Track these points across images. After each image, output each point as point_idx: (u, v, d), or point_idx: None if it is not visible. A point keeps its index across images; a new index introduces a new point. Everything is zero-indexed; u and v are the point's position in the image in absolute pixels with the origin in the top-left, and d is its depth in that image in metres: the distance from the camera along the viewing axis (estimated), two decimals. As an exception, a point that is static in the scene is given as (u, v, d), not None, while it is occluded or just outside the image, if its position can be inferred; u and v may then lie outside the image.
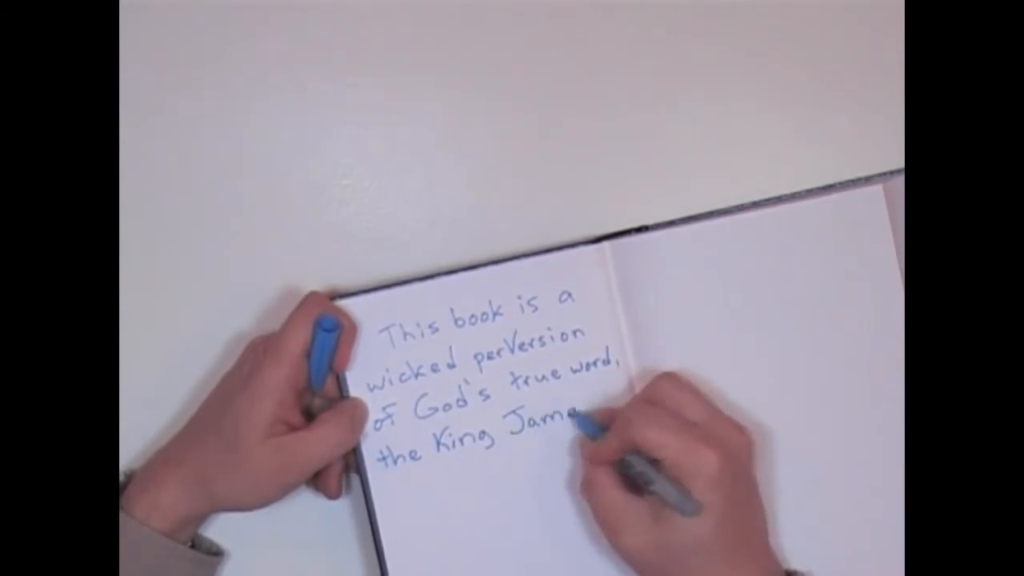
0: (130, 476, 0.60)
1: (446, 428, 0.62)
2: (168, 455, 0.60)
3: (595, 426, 0.61)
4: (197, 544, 0.61)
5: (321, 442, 0.59)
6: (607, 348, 0.63)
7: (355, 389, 0.61)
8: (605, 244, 0.63)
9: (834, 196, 0.63)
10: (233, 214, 0.65)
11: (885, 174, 0.64)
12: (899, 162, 0.64)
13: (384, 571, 0.61)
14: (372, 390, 0.61)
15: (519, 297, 0.62)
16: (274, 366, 0.58)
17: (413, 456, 0.61)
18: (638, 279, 0.63)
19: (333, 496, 0.62)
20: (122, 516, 0.57)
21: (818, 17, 0.66)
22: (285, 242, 0.65)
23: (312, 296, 0.60)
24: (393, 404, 0.61)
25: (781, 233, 0.63)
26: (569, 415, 0.62)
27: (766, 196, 0.65)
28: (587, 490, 0.58)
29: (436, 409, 0.62)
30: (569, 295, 0.63)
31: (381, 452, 0.61)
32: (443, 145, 0.67)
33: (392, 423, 0.61)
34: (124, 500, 0.58)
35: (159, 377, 0.64)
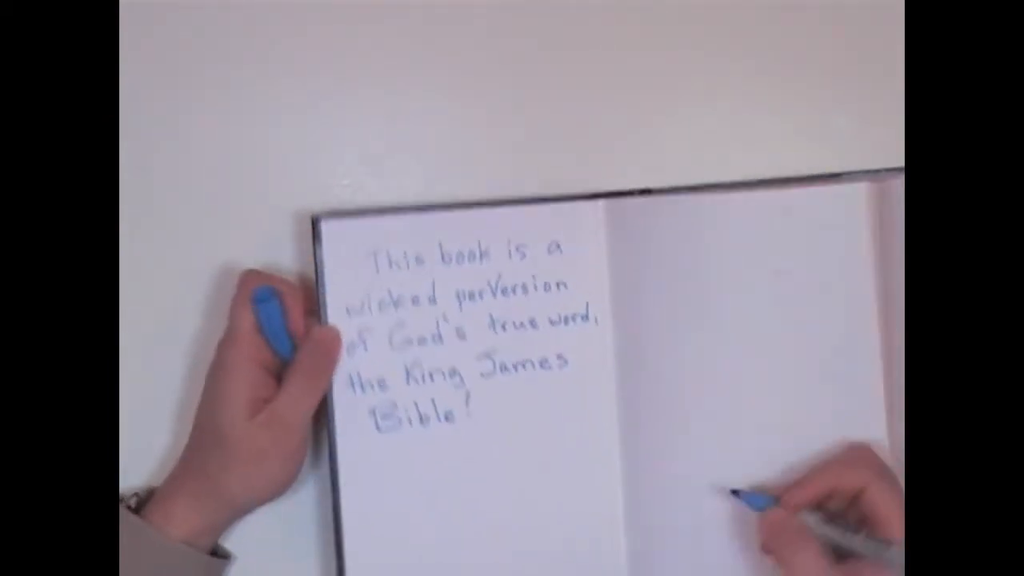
0: (150, 492, 0.59)
1: (418, 361, 0.62)
2: (176, 471, 0.59)
3: (765, 497, 0.60)
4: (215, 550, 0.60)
5: (296, 398, 0.58)
6: (587, 304, 0.63)
7: (333, 309, 0.61)
8: (600, 202, 0.63)
9: (822, 188, 0.63)
10: (233, 214, 0.64)
11: (883, 171, 0.64)
12: (899, 162, 0.64)
13: (337, 498, 0.61)
14: (350, 313, 0.61)
15: (508, 242, 0.62)
16: (228, 348, 0.58)
17: (381, 385, 0.61)
18: (628, 241, 0.63)
19: None
20: (141, 524, 0.56)
21: (817, 16, 0.66)
22: (285, 242, 0.64)
23: (246, 273, 0.60)
24: (369, 330, 0.61)
25: (770, 216, 0.63)
26: (732, 493, 0.61)
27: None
28: (788, 550, 0.57)
29: (411, 341, 0.62)
30: (558, 247, 0.63)
31: (350, 377, 0.61)
32: (443, 145, 0.66)
33: (365, 349, 0.61)
34: (144, 513, 0.57)
35: (153, 374, 0.64)
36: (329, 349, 0.60)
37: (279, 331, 0.59)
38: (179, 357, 0.64)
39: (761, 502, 0.60)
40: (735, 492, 0.61)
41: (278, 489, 0.59)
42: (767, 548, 0.58)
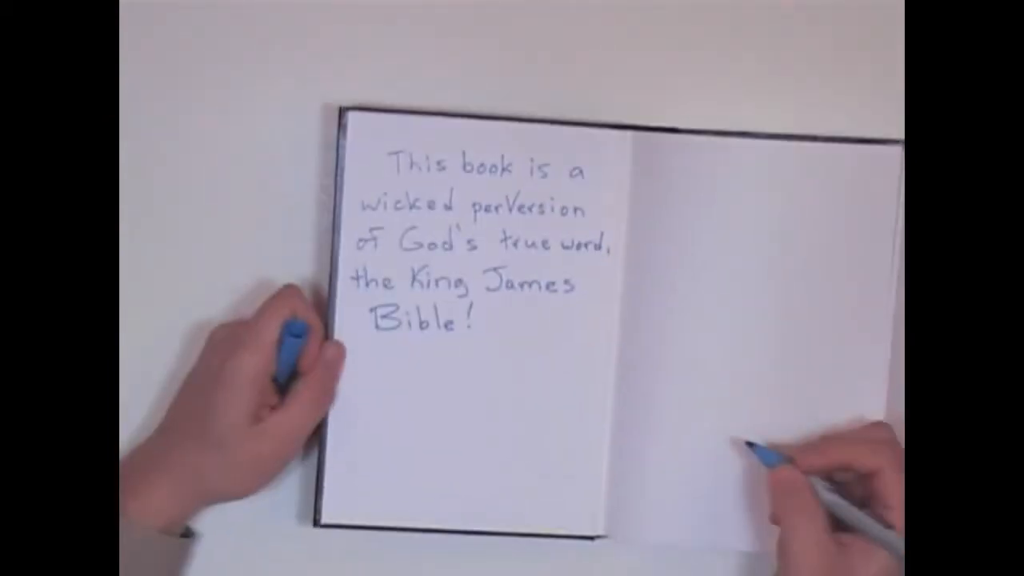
0: None
1: (425, 266, 0.62)
2: (152, 457, 0.59)
3: (778, 455, 0.59)
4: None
5: (303, 413, 0.59)
6: (602, 234, 0.63)
7: (348, 203, 0.61)
8: (628, 133, 0.63)
9: (857, 146, 0.62)
10: (232, 212, 0.64)
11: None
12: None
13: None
14: (364, 208, 0.61)
15: (532, 160, 0.62)
16: (249, 356, 0.58)
17: (386, 284, 0.62)
18: (651, 176, 0.62)
19: None
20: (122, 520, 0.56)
21: (817, 12, 0.65)
22: (285, 241, 0.64)
23: (289, 289, 0.60)
24: (381, 228, 0.61)
25: (798, 168, 0.62)
26: (748, 445, 0.61)
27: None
28: (791, 510, 0.57)
29: (421, 245, 0.62)
30: (581, 172, 0.62)
31: (356, 271, 0.61)
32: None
33: (375, 246, 0.61)
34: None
35: (153, 373, 0.64)
36: (336, 366, 0.61)
37: (291, 362, 0.60)
38: (179, 357, 0.64)
39: (773, 459, 0.59)
40: (750, 444, 0.61)
41: (258, 490, 0.60)
42: (772, 504, 0.58)
